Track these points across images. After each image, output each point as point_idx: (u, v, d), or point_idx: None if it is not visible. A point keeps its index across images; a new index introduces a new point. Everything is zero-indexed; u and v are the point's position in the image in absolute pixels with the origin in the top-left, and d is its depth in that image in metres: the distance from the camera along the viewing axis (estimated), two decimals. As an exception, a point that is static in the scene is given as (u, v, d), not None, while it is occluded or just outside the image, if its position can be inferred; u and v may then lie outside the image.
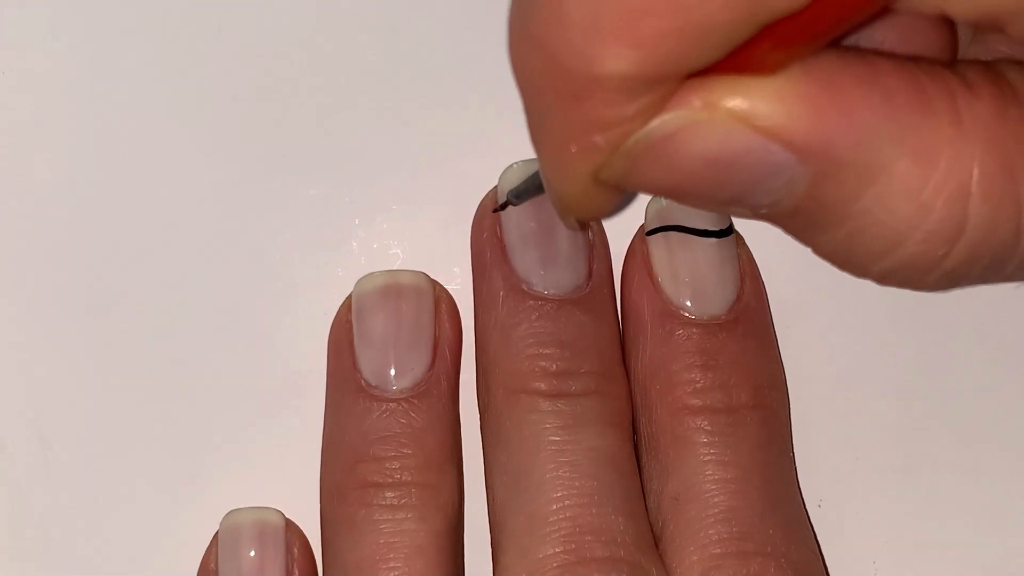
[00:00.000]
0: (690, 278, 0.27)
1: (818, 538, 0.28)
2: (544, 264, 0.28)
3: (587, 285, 0.28)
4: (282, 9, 0.30)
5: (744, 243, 0.28)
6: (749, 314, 0.27)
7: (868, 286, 0.28)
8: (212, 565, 0.28)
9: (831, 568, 0.28)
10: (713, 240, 0.27)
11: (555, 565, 0.26)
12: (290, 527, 0.28)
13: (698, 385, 0.27)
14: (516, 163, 0.28)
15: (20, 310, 0.30)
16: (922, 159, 0.18)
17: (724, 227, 0.28)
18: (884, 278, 0.20)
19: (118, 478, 0.29)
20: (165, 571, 0.29)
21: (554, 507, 0.26)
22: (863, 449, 0.29)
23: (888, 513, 0.28)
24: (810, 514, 0.28)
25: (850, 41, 0.20)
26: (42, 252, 0.30)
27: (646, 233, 0.28)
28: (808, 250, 0.29)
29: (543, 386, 0.27)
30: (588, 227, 0.28)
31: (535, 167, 0.28)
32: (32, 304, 0.30)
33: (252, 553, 0.28)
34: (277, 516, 0.28)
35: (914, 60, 0.19)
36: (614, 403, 0.27)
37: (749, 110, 0.18)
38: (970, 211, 0.19)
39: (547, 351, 0.27)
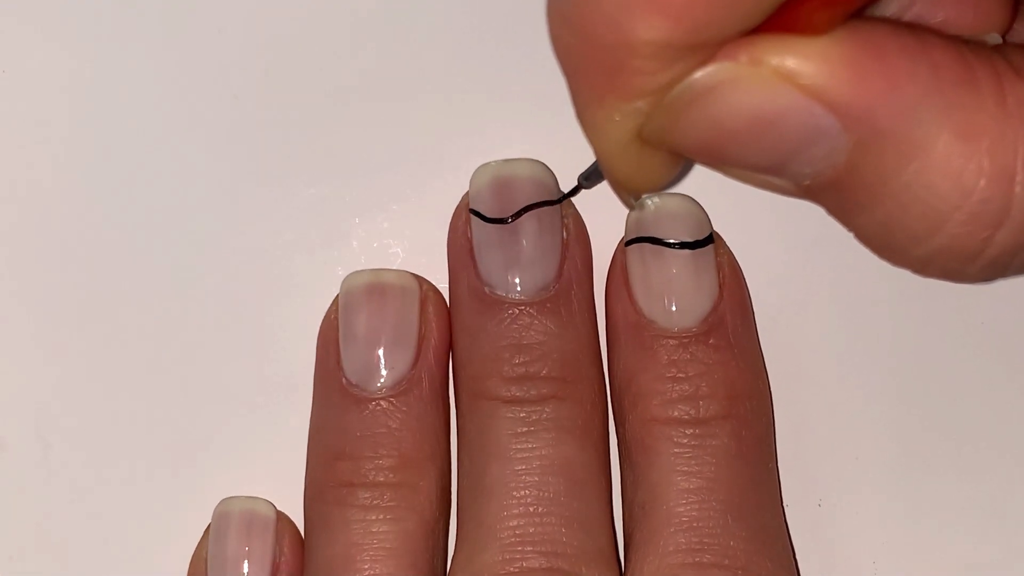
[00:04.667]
0: (662, 290, 0.27)
1: (817, 538, 0.28)
2: (506, 266, 0.27)
3: (553, 287, 0.28)
4: (282, 8, 0.30)
5: (727, 251, 0.28)
6: (724, 324, 0.27)
7: (867, 286, 0.29)
8: (204, 552, 0.28)
9: (831, 568, 0.28)
10: (687, 252, 0.27)
11: (495, 572, 0.26)
12: (281, 520, 0.29)
13: (666, 397, 0.27)
14: (492, 162, 0.28)
15: (19, 309, 0.30)
16: (965, 137, 0.18)
17: (700, 238, 0.27)
18: (925, 265, 0.20)
19: (119, 476, 0.29)
20: (166, 569, 0.29)
21: (498, 516, 0.27)
22: (863, 449, 0.29)
23: (888, 513, 0.28)
24: (810, 514, 0.29)
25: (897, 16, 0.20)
26: (42, 251, 0.30)
27: (624, 244, 0.28)
28: (807, 249, 0.29)
29: (501, 391, 0.27)
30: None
31: (516, 167, 0.28)
32: (31, 302, 0.30)
33: (239, 541, 0.28)
34: (267, 507, 0.29)
35: (962, 39, 0.19)
36: (575, 409, 0.27)
37: (794, 68, 0.18)
38: (1015, 194, 0.18)
39: (506, 356, 0.27)
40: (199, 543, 0.29)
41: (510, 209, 0.28)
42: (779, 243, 0.29)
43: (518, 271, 0.27)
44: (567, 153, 0.29)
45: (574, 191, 0.28)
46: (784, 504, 0.28)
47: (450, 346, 0.28)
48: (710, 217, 0.28)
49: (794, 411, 0.29)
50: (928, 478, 0.28)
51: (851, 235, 0.28)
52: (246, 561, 0.28)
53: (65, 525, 0.29)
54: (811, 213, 0.28)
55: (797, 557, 0.28)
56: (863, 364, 0.29)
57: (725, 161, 0.20)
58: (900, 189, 0.19)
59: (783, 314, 0.29)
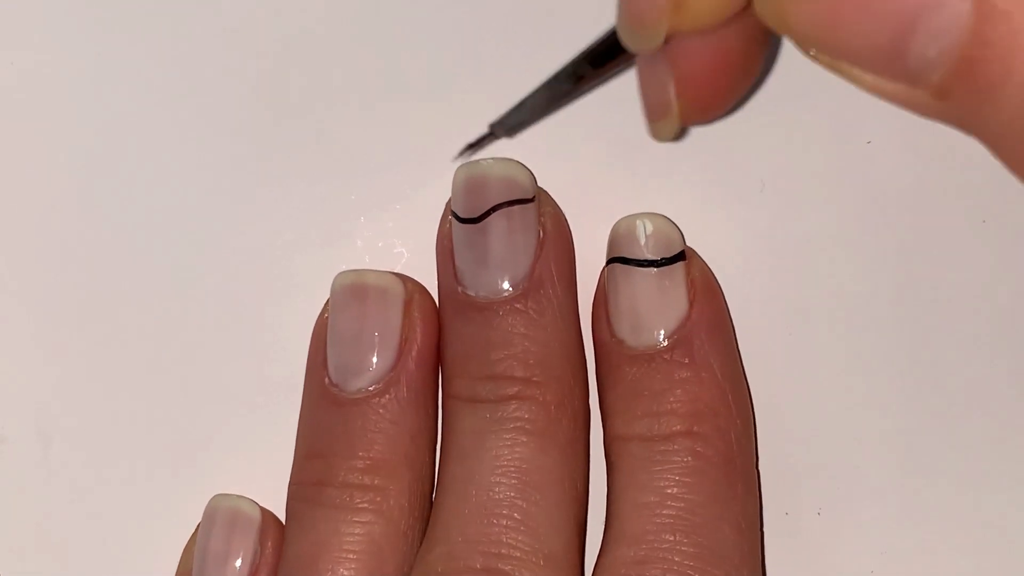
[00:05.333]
0: (628, 309, 0.27)
1: (817, 547, 0.28)
2: (476, 266, 0.27)
3: (522, 286, 0.27)
4: (283, 8, 0.29)
5: (700, 267, 0.28)
6: (690, 341, 0.27)
7: (867, 291, 0.28)
8: (193, 549, 0.29)
9: (830, 576, 0.28)
10: (652, 270, 0.27)
11: (436, 570, 0.26)
12: (267, 519, 0.29)
13: (629, 414, 0.27)
14: (470, 162, 0.28)
15: (19, 309, 0.30)
16: None
17: (668, 256, 0.27)
18: None
19: (119, 476, 0.30)
20: (166, 569, 0.29)
21: (448, 515, 0.27)
22: (863, 458, 0.28)
23: (887, 522, 0.28)
24: (809, 523, 0.28)
25: None
26: (43, 248, 0.30)
27: (605, 264, 0.28)
28: (807, 254, 0.28)
29: (463, 391, 0.27)
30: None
31: (488, 167, 0.28)
32: (31, 302, 0.30)
33: (222, 537, 0.28)
34: (252, 507, 0.29)
35: None
36: (536, 410, 0.27)
37: None
38: None
39: (473, 355, 0.27)
40: (191, 537, 0.29)
41: (482, 209, 0.27)
42: (777, 248, 0.29)
43: (484, 270, 0.27)
44: (566, 152, 0.29)
45: (483, 139, 0.27)
46: (784, 512, 0.28)
47: (437, 348, 0.28)
48: (707, 227, 0.28)
49: (793, 420, 0.28)
50: (928, 487, 0.28)
51: (850, 241, 0.28)
52: (227, 557, 0.28)
53: (65, 525, 0.30)
54: (808, 216, 0.28)
55: (796, 566, 0.28)
56: (862, 372, 0.28)
57: (834, 46, 0.19)
58: None
59: (783, 322, 0.28)
